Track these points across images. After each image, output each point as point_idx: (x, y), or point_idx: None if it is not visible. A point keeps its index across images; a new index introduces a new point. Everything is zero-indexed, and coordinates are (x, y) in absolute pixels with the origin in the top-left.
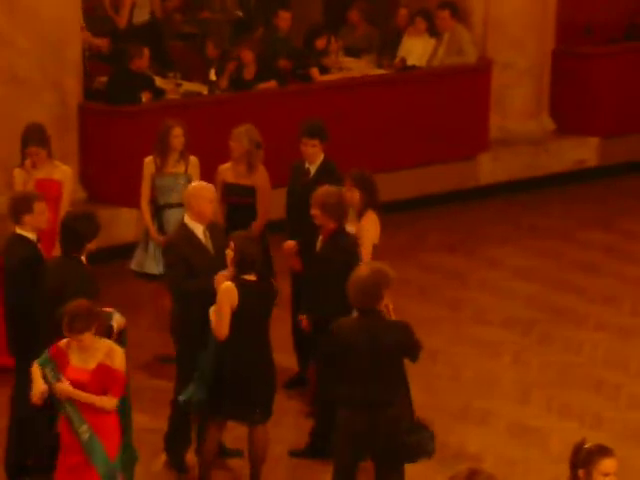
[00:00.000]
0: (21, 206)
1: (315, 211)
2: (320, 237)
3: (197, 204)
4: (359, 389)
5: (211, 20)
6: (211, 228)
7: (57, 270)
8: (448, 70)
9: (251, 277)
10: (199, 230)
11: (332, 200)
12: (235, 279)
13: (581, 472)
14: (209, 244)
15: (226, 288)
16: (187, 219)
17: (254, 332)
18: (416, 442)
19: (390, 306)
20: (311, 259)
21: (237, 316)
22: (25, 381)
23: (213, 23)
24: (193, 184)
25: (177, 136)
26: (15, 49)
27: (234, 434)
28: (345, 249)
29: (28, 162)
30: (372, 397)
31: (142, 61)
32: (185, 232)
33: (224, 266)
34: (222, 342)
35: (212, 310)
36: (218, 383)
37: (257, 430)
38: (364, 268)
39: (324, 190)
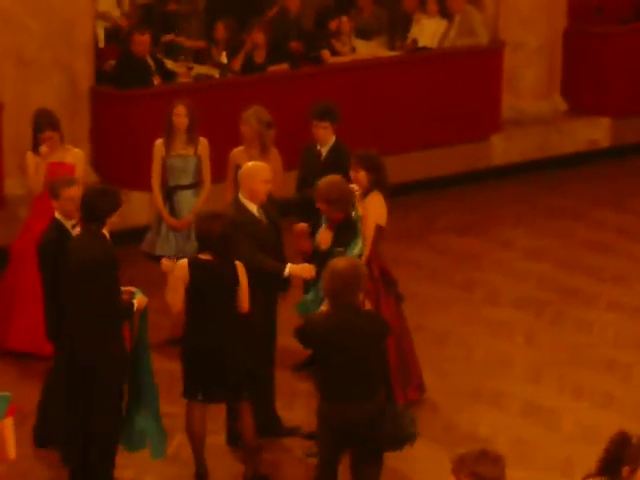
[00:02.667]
0: (50, 192)
1: (320, 205)
2: (324, 225)
3: (250, 183)
4: (336, 382)
5: (179, 12)
6: (265, 206)
7: (77, 245)
8: (460, 51)
9: (206, 256)
10: (253, 208)
11: (335, 193)
12: (191, 257)
13: (626, 469)
14: (264, 222)
15: (180, 265)
16: (241, 197)
17: (214, 311)
18: (394, 430)
19: (365, 300)
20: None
21: (192, 294)
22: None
23: (181, 15)
24: (248, 163)
25: (178, 115)
26: (24, 30)
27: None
28: (347, 242)
29: (44, 148)
30: (349, 390)
31: (136, 45)
32: (242, 210)
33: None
34: (188, 323)
35: (167, 288)
36: (189, 364)
37: (242, 410)
38: (341, 261)
39: (326, 183)
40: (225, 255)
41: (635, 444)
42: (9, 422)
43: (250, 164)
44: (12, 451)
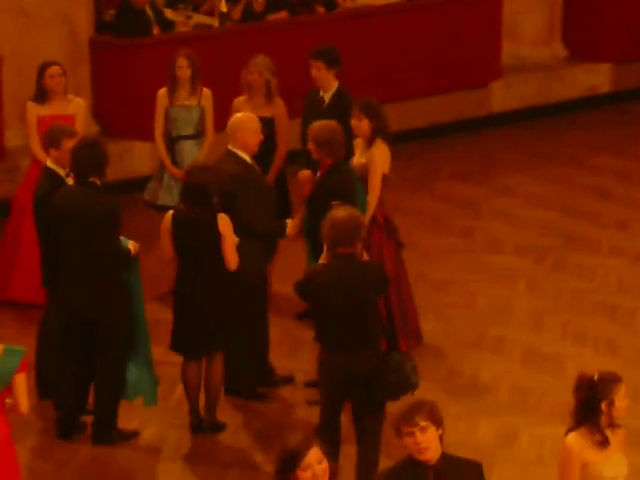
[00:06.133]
0: (48, 139)
1: (310, 145)
2: (318, 173)
3: (243, 135)
4: (337, 332)
5: None
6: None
7: (76, 198)
8: None
9: (184, 205)
10: (247, 159)
11: (325, 136)
12: (175, 208)
13: (604, 404)
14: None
15: (166, 216)
16: (232, 148)
17: (195, 263)
18: (397, 379)
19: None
20: None
21: (175, 245)
22: (51, 314)
23: None
24: (237, 115)
25: (180, 67)
26: None
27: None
28: (337, 188)
29: (49, 83)
30: (350, 339)
31: None
32: (239, 162)
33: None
34: (176, 274)
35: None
36: (174, 315)
37: (214, 361)
38: (341, 211)
39: (319, 125)
40: (207, 207)
41: (600, 379)
42: (22, 377)
43: (239, 115)
44: (25, 405)
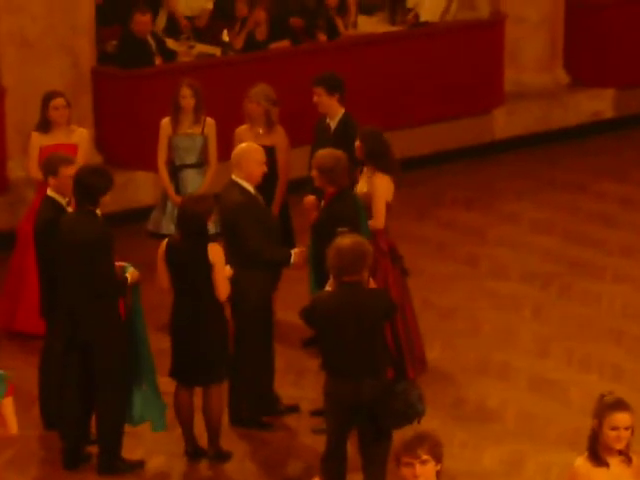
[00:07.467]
0: (47, 168)
1: (313, 172)
2: (322, 201)
3: (247, 165)
4: (344, 359)
5: None
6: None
7: (72, 224)
8: (461, 25)
9: (179, 236)
10: (251, 189)
11: (328, 164)
12: (169, 237)
13: (595, 422)
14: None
15: (162, 243)
16: (236, 178)
17: (187, 289)
18: (403, 407)
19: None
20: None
21: (170, 273)
22: (51, 343)
23: None
24: (242, 145)
25: (184, 97)
26: (26, 13)
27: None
28: (341, 216)
29: (54, 115)
30: (357, 367)
31: (137, 25)
32: (243, 192)
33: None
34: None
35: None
36: (172, 343)
37: (210, 392)
38: (346, 239)
39: (323, 152)
40: (200, 237)
41: (603, 399)
42: (9, 401)
43: (243, 145)
44: (14, 427)
